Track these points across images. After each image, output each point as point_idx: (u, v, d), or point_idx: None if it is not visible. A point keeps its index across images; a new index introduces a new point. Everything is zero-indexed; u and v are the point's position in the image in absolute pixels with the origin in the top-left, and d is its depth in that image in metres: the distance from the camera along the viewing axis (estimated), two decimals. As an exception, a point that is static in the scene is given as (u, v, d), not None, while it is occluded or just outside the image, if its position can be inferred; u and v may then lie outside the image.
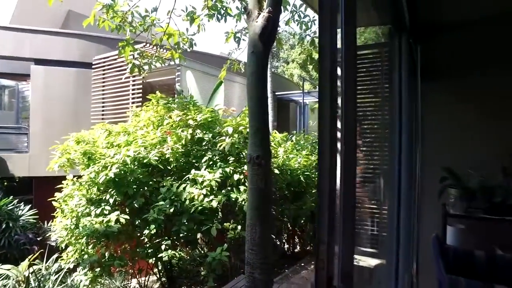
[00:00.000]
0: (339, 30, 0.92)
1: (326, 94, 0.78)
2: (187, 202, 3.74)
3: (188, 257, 4.94)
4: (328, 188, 0.76)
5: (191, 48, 4.75)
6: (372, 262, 4.05)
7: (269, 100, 9.61)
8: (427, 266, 2.60)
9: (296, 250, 5.77)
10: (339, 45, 0.89)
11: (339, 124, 0.86)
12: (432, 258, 2.21)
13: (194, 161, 4.23)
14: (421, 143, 3.41)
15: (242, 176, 3.89)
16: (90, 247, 3.74)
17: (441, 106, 3.37)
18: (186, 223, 3.68)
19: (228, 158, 4.16)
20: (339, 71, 0.90)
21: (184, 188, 3.85)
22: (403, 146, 1.94)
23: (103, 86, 8.41)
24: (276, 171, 4.42)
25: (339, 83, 0.88)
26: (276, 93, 10.80)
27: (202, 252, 4.80)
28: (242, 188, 3.87)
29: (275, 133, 5.52)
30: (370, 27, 2.89)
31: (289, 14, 4.85)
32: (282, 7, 4.42)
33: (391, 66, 2.02)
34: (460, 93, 3.32)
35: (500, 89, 3.19)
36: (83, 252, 3.75)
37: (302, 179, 4.60)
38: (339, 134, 0.87)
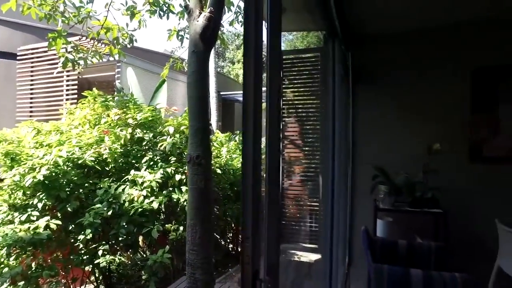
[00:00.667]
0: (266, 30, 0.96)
1: (250, 90, 0.80)
2: (127, 204, 3.59)
3: (129, 262, 4.73)
4: (252, 185, 0.79)
5: (131, 44, 4.56)
6: (312, 257, 4.24)
7: (214, 100, 9.61)
8: (360, 257, 2.80)
9: (240, 249, 5.81)
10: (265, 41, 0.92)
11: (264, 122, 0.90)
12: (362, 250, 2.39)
13: (134, 161, 4.07)
14: (353, 143, 3.66)
15: (184, 177, 3.83)
16: (12, 258, 3.39)
17: (372, 110, 3.66)
18: (126, 226, 3.53)
19: (169, 158, 4.06)
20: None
21: (123, 190, 3.69)
22: (336, 146, 2.07)
23: (31, 80, 7.68)
24: (219, 171, 4.41)
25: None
26: (221, 93, 10.78)
27: (144, 255, 4.64)
28: (184, 188, 3.82)
29: (218, 133, 5.51)
30: (312, 32, 3.03)
31: (233, 15, 4.89)
32: (226, 7, 4.44)
33: (326, 70, 2.14)
34: (389, 98, 3.63)
35: (420, 95, 3.55)
36: (2, 265, 3.38)
37: (245, 178, 4.63)
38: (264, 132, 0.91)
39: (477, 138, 3.37)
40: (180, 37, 4.55)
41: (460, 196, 3.38)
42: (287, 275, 3.79)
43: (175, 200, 3.73)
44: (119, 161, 4.02)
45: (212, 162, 4.05)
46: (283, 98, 3.77)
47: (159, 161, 3.97)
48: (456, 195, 3.37)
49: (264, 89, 0.90)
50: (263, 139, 0.88)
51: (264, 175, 0.91)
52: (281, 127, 3.66)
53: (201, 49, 2.48)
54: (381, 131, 3.61)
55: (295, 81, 3.88)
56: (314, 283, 3.60)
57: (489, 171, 3.35)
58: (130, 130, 4.05)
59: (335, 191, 2.08)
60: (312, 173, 3.75)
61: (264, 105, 0.94)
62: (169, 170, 3.82)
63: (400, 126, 3.57)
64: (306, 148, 3.80)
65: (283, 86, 3.76)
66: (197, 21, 2.50)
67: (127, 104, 4.43)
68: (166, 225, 3.74)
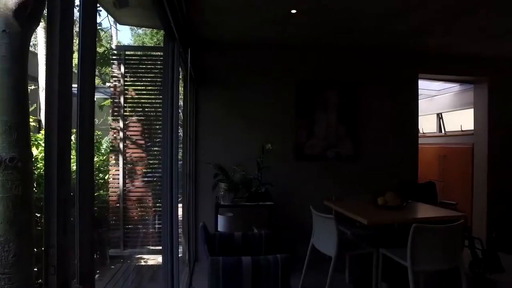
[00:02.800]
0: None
1: (53, 75, 0.73)
2: None
3: None
4: (57, 186, 0.73)
5: None
6: (160, 258, 4.12)
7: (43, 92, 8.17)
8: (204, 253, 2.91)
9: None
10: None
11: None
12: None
13: None
14: (197, 143, 3.79)
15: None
16: None
17: (214, 111, 3.88)
18: None
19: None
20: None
21: None
22: (175, 145, 2.09)
23: None
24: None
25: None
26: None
27: None
28: None
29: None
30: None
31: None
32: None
33: (167, 69, 2.14)
34: (229, 101, 3.92)
35: (257, 100, 3.99)
36: None
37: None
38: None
39: (300, 139, 4.03)
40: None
41: (287, 188, 3.97)
42: (131, 281, 3.59)
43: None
44: None
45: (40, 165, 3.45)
46: (126, 96, 3.57)
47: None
48: (284, 188, 3.94)
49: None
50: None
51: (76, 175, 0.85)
52: (122, 125, 3.45)
53: (16, 30, 2.08)
54: (221, 132, 3.88)
55: (143, 79, 3.73)
56: (157, 285, 3.54)
57: (308, 166, 4.06)
58: None
59: (174, 191, 2.10)
60: (156, 173, 3.68)
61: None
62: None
63: (238, 127, 3.92)
64: (150, 148, 3.70)
65: (127, 83, 3.56)
66: (10, -5, 2.09)
67: None
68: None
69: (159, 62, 3.67)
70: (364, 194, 3.95)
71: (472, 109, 4.80)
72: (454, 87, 5.43)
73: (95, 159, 4.44)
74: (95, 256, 3.99)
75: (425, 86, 5.52)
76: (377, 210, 3.04)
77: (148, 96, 3.75)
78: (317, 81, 4.06)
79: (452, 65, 4.41)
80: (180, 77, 2.92)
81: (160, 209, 3.75)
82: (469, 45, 3.95)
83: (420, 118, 4.47)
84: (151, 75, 3.70)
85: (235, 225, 3.68)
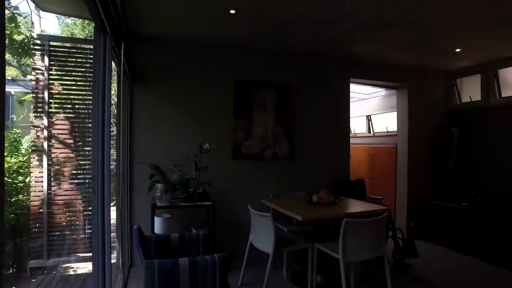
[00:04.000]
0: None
1: None
2: None
3: None
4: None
5: None
6: (91, 266, 3.85)
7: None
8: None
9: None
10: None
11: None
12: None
13: None
14: (132, 142, 3.61)
15: None
16: None
17: (151, 110, 3.74)
18: None
19: None
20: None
21: None
22: (106, 144, 1.97)
23: None
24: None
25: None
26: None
27: None
28: None
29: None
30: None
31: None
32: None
33: (97, 64, 2.01)
34: (166, 100, 3.80)
35: (195, 100, 3.93)
36: None
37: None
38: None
39: (238, 139, 4.06)
40: None
41: (226, 188, 3.98)
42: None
43: None
44: None
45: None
46: (52, 91, 3.26)
47: None
48: (223, 188, 3.95)
49: None
50: None
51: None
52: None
53: None
54: (159, 131, 3.75)
55: (72, 73, 3.43)
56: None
57: (246, 166, 4.11)
58: None
59: (106, 193, 1.98)
60: (87, 175, 3.42)
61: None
62: None
63: (176, 126, 3.83)
64: (80, 148, 3.44)
65: (53, 77, 3.25)
66: None
67: None
68: None
69: (91, 56, 3.41)
70: (300, 192, 4.13)
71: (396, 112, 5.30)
72: (381, 91, 5.92)
73: (12, 160, 4.00)
74: (10, 270, 3.59)
75: (356, 89, 5.95)
76: (312, 207, 3.19)
77: (78, 92, 3.47)
78: (255, 82, 4.14)
79: (378, 71, 4.82)
80: (114, 72, 2.76)
81: (90, 212, 3.51)
82: (391, 55, 4.36)
83: (351, 120, 4.80)
84: (81, 69, 3.42)
85: (173, 226, 3.59)
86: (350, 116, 4.73)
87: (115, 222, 3.40)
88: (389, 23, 3.25)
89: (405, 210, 5.03)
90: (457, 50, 4.10)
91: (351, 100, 4.79)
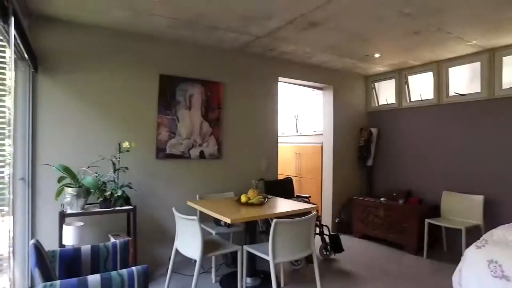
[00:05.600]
0: None
1: None
2: None
3: None
4: None
5: None
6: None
7: None
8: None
9: None
10: None
11: None
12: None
13: None
14: (34, 141, 3.10)
15: None
16: None
17: (61, 102, 3.25)
18: None
19: None
20: None
21: None
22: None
23: None
24: None
25: None
26: None
27: None
28: None
29: None
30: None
31: None
32: None
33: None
34: (78, 94, 3.34)
35: (113, 94, 3.54)
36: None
37: None
38: None
39: (162, 137, 3.77)
40: None
41: (149, 190, 3.68)
42: None
43: None
44: None
45: None
46: None
47: None
48: (145, 190, 3.64)
49: None
50: None
51: None
52: None
53: None
54: (70, 128, 3.28)
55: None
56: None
57: (171, 166, 3.85)
58: None
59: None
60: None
61: None
62: None
63: (91, 123, 3.39)
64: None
65: None
66: None
67: None
68: None
69: None
70: (228, 192, 4.01)
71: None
72: (308, 91, 6.11)
73: None
74: None
75: (284, 89, 6.05)
76: (241, 207, 3.09)
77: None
78: (181, 77, 3.89)
79: (306, 71, 4.94)
80: (6, 59, 2.30)
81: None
82: (316, 56, 4.49)
83: (280, 119, 4.83)
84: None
85: (87, 236, 3.19)
86: (278, 116, 4.76)
87: (8, 237, 2.86)
88: (313, 25, 3.30)
89: (331, 207, 5.25)
90: (376, 55, 4.40)
91: (279, 99, 4.82)
